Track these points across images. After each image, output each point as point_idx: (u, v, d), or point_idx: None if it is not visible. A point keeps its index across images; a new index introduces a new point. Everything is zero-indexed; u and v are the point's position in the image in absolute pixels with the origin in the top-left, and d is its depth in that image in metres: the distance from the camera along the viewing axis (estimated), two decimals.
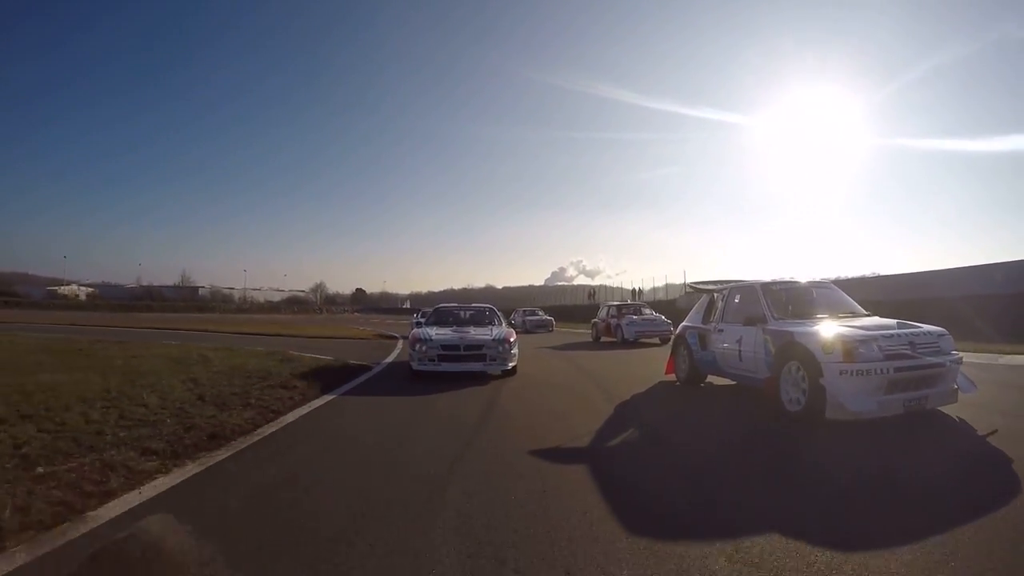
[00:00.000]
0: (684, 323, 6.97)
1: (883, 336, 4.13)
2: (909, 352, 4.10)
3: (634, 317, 15.29)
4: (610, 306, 17.08)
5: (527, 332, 21.54)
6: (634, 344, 14.28)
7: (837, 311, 5.25)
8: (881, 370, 3.92)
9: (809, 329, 4.47)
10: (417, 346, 7.64)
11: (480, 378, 7.29)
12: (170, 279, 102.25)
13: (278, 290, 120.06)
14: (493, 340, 7.64)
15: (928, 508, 2.51)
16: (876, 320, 4.87)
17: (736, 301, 5.86)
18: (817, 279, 6.04)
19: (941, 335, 4.38)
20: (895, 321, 4.71)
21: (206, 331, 20.07)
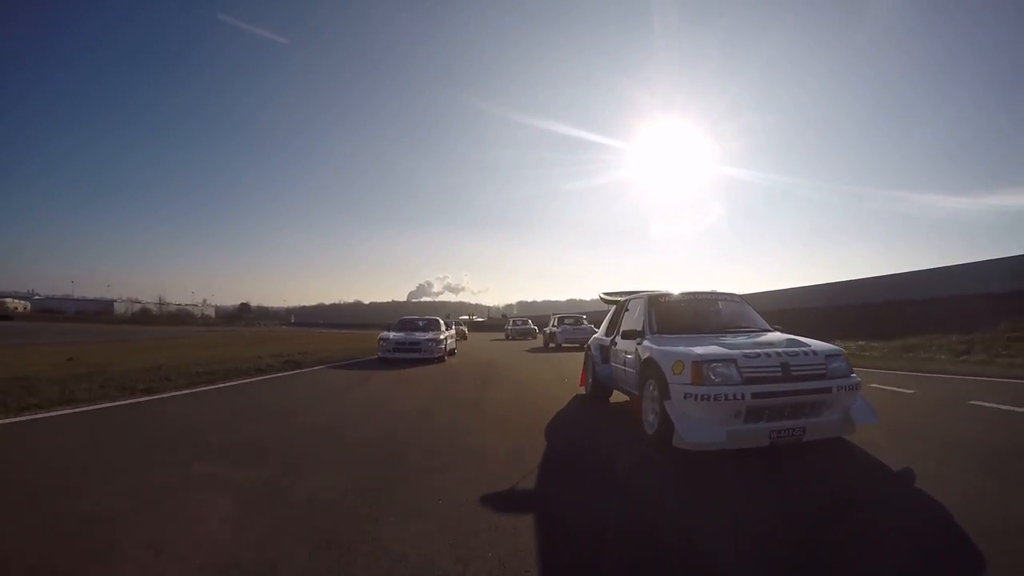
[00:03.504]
0: (594, 335, 6.46)
1: (745, 356, 3.54)
2: (779, 375, 3.49)
3: (567, 327, 19.03)
4: (556, 318, 21.06)
5: (512, 339, 27.29)
6: (576, 349, 17.50)
7: (734, 325, 4.75)
8: (735, 395, 3.34)
9: (666, 347, 3.97)
10: (381, 342, 12.38)
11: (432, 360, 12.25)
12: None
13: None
14: (425, 340, 12.19)
15: None
16: (766, 337, 4.29)
17: (634, 314, 5.34)
18: (722, 291, 5.46)
19: (831, 355, 3.73)
20: (786, 338, 4.16)
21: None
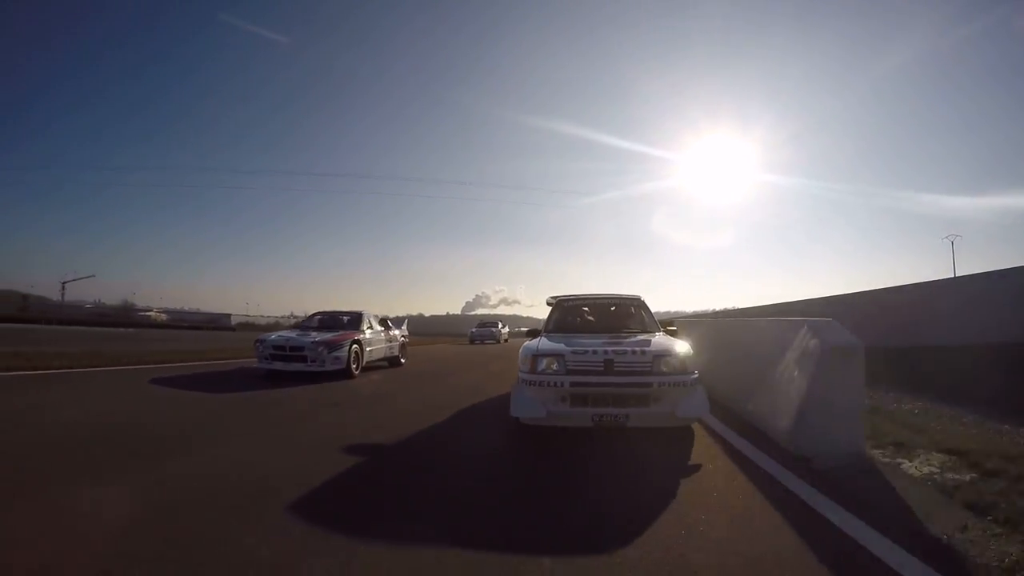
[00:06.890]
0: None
1: (574, 352, 4.24)
2: (600, 369, 4.13)
3: None
4: None
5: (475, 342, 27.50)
6: None
7: (621, 326, 5.47)
8: (556, 383, 4.07)
9: (531, 343, 4.74)
10: (258, 346, 8.31)
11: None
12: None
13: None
14: (312, 343, 8.07)
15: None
16: (634, 337, 4.84)
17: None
18: (629, 294, 6.11)
19: (660, 355, 4.21)
20: (640, 339, 4.71)
21: None
